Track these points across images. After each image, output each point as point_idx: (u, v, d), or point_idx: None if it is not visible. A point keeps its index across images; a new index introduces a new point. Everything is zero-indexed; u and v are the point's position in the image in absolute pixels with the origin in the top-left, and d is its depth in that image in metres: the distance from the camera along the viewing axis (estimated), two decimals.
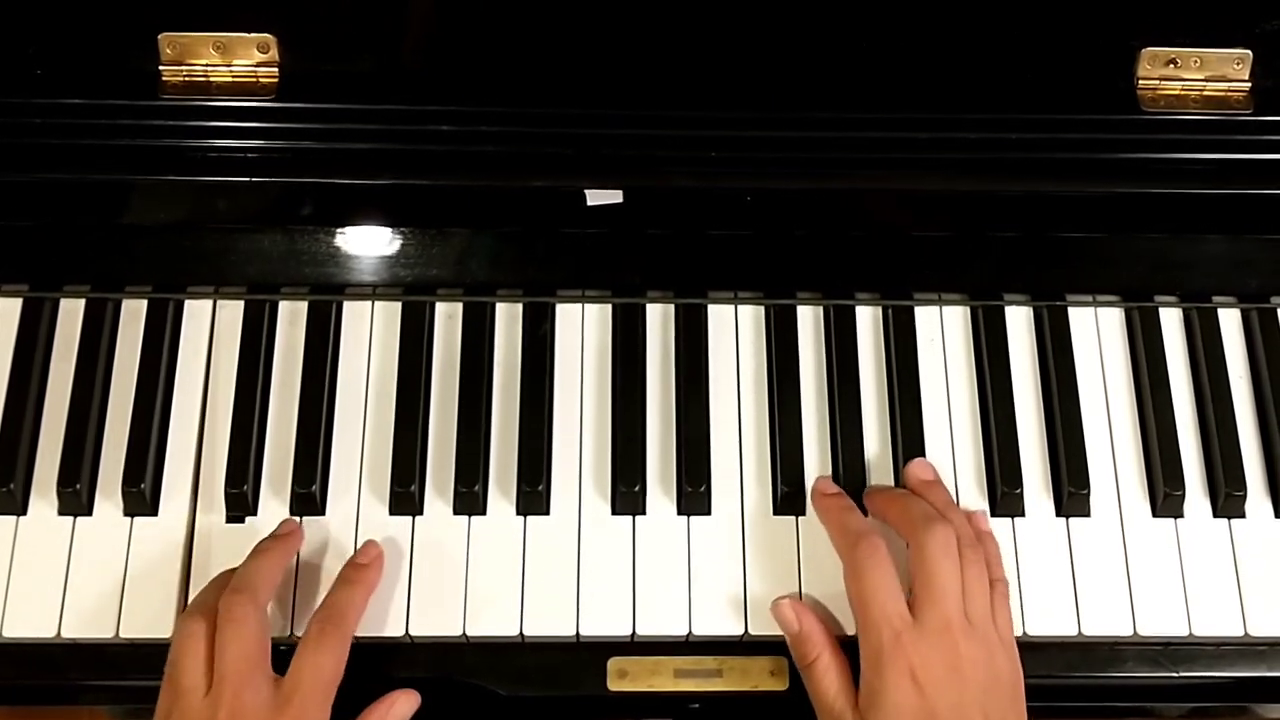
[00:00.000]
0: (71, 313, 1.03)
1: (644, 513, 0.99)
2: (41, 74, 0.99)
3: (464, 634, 0.95)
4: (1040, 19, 1.00)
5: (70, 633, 0.95)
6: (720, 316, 1.04)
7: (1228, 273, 1.05)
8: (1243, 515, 1.00)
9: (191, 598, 0.95)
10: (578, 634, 0.96)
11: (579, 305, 1.04)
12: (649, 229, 1.03)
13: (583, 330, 1.04)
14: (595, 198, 1.00)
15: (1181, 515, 1.00)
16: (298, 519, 0.98)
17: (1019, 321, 1.05)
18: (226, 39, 0.98)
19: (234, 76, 0.99)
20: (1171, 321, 1.05)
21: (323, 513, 0.99)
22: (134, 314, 1.03)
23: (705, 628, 0.96)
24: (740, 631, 0.96)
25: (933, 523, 0.93)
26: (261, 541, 0.95)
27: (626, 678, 0.97)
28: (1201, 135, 1.01)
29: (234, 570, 0.94)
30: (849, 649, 0.93)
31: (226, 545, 0.97)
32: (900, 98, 1.01)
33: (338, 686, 0.90)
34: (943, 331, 1.05)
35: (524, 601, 0.96)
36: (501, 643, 0.96)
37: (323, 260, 1.03)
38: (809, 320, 1.05)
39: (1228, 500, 0.99)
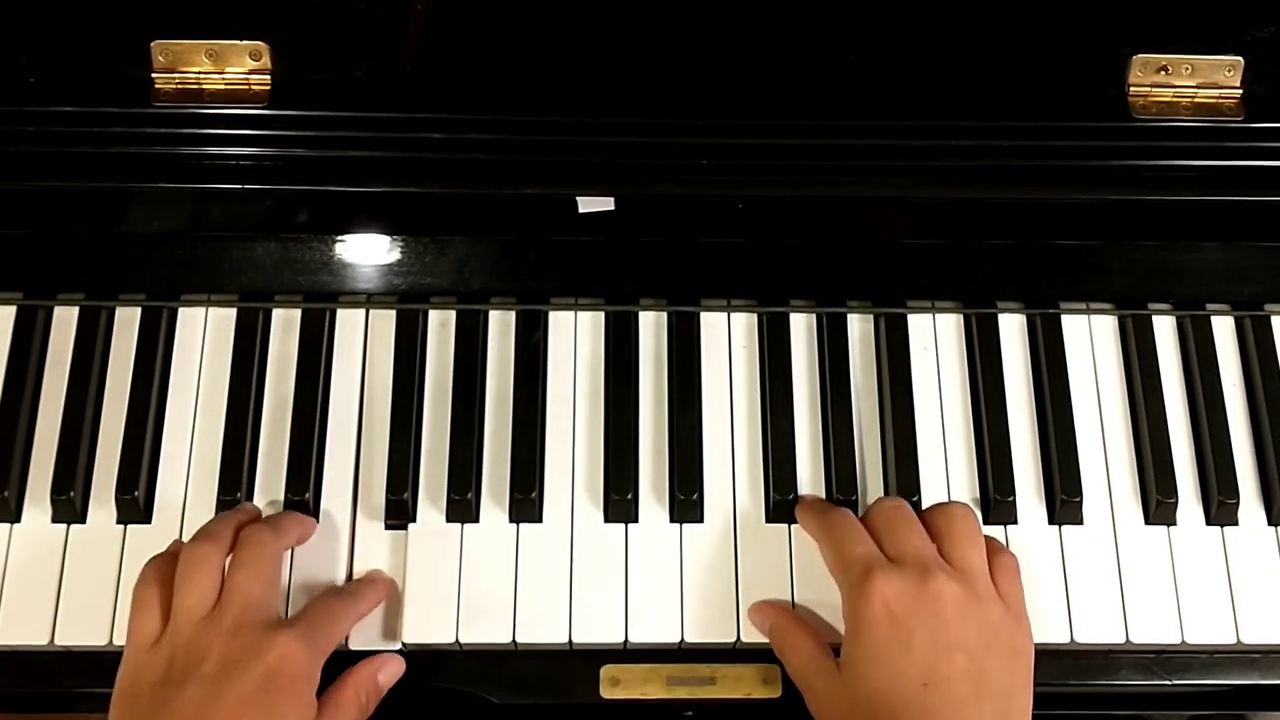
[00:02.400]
0: (65, 321, 1.03)
1: (636, 520, 0.99)
2: (34, 82, 0.99)
3: (457, 641, 0.95)
4: (1032, 26, 1.00)
5: (64, 640, 0.95)
6: (713, 324, 1.04)
7: (1221, 280, 1.05)
8: (1235, 523, 1.00)
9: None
10: (570, 641, 0.96)
11: (572, 313, 1.04)
12: (642, 237, 1.03)
13: (575, 338, 1.04)
14: (587, 205, 1.00)
15: (1174, 523, 1.00)
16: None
17: (1012, 329, 1.05)
18: (219, 47, 0.98)
19: (226, 84, 0.99)
20: (1165, 329, 1.05)
21: (316, 521, 0.98)
22: (128, 322, 1.03)
23: (698, 635, 0.96)
24: (733, 639, 0.96)
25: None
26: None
27: (619, 685, 0.96)
28: (1193, 142, 1.00)
29: (229, 513, 0.96)
30: None
31: None
32: (891, 105, 1.00)
33: (337, 642, 0.92)
34: (936, 339, 1.05)
35: (517, 609, 0.96)
36: (494, 650, 0.96)
37: (316, 268, 1.03)
38: (802, 328, 1.05)
39: (1221, 508, 0.99)
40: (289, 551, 0.97)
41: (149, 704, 0.86)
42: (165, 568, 0.92)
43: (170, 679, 0.86)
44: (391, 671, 0.95)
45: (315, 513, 0.99)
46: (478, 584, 0.97)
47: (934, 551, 0.92)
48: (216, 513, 0.98)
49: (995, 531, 0.99)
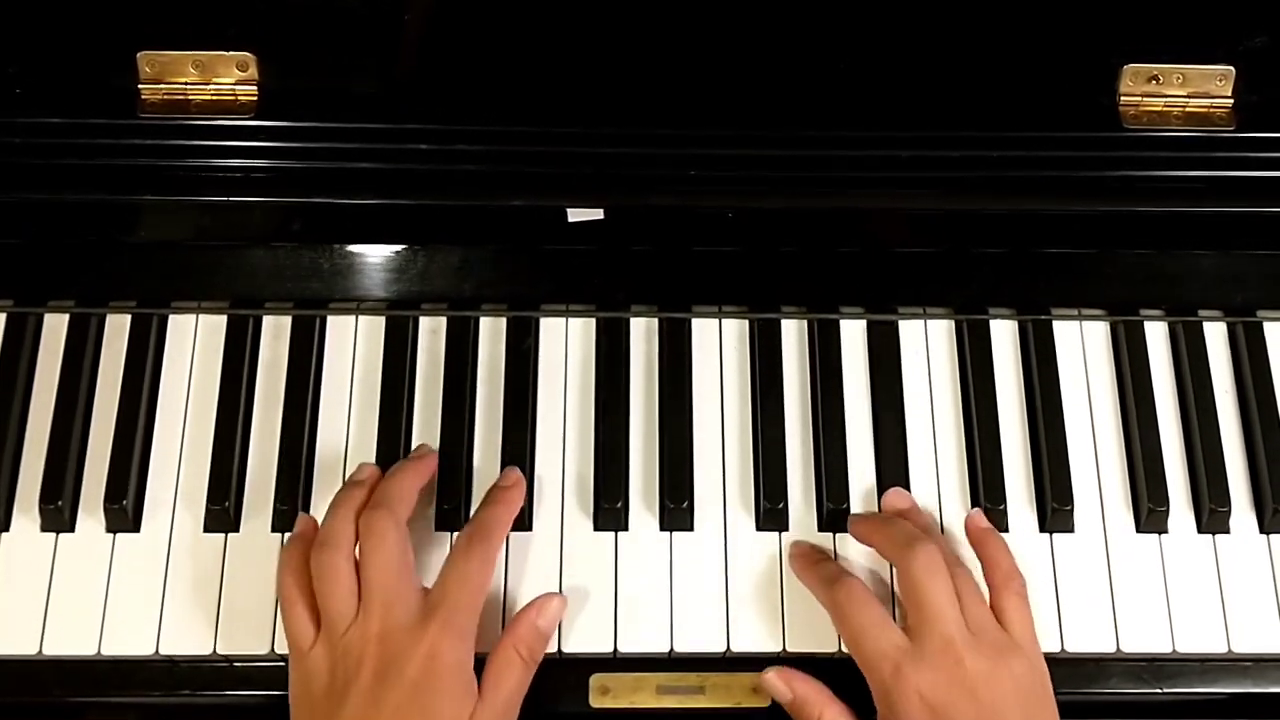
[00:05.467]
0: (55, 328, 1.03)
1: (626, 529, 0.99)
2: (21, 93, 0.98)
3: None
4: (1022, 36, 0.99)
5: (52, 650, 0.95)
6: (704, 331, 1.04)
7: (1213, 287, 1.05)
8: (1227, 531, 1.00)
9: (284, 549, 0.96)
10: (560, 650, 0.95)
11: (563, 319, 1.04)
12: (632, 245, 1.03)
13: (566, 344, 1.04)
14: (576, 215, 1.00)
15: (1166, 531, 1.00)
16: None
17: (1004, 336, 1.05)
18: (206, 57, 0.98)
19: (213, 95, 0.99)
20: (1157, 335, 1.05)
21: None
22: (118, 329, 1.03)
23: (687, 644, 0.96)
24: (723, 648, 0.96)
25: (916, 543, 0.93)
26: (400, 463, 0.98)
27: (609, 694, 0.96)
28: (1184, 152, 1.00)
29: (345, 497, 0.95)
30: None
31: (209, 562, 0.97)
32: (881, 116, 1.00)
33: (483, 600, 0.92)
34: (927, 346, 1.04)
35: (507, 617, 0.96)
36: (485, 658, 0.96)
37: (306, 275, 1.03)
38: (793, 334, 1.04)
39: (1212, 516, 0.99)
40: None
41: (324, 715, 0.89)
42: (299, 571, 0.92)
43: (334, 691, 0.88)
44: (552, 614, 0.94)
45: None
46: None
47: (961, 627, 0.90)
48: (204, 522, 0.98)
49: None
